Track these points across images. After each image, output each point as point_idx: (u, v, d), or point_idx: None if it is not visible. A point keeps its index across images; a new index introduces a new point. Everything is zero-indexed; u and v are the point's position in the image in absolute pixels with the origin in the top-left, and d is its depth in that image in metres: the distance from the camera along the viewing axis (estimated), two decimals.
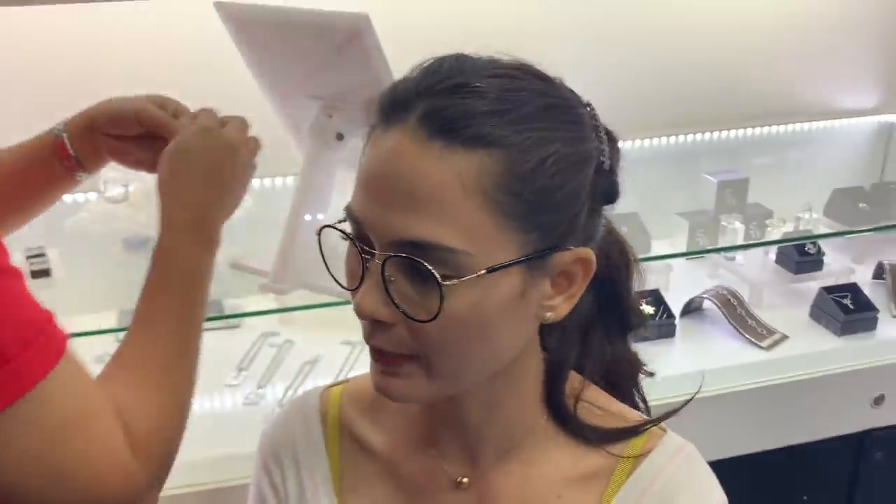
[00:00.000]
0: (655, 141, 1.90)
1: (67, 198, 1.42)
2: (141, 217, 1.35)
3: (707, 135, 1.94)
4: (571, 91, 0.69)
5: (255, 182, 1.50)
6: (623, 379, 0.82)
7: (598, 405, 0.77)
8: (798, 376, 1.50)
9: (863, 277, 1.73)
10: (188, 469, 1.22)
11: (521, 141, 0.62)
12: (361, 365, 1.46)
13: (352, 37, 1.15)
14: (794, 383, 1.49)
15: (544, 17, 1.70)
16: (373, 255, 0.63)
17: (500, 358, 0.70)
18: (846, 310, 1.58)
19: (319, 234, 0.71)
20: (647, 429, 0.76)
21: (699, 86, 1.90)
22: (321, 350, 1.51)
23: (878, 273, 1.75)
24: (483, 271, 0.62)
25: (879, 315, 1.60)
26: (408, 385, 0.67)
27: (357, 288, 0.65)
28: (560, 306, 0.68)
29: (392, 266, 0.63)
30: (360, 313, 0.65)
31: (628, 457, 0.75)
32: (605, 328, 0.78)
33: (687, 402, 0.80)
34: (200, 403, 1.37)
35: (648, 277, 1.62)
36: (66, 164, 0.90)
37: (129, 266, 1.33)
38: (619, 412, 0.78)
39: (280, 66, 1.28)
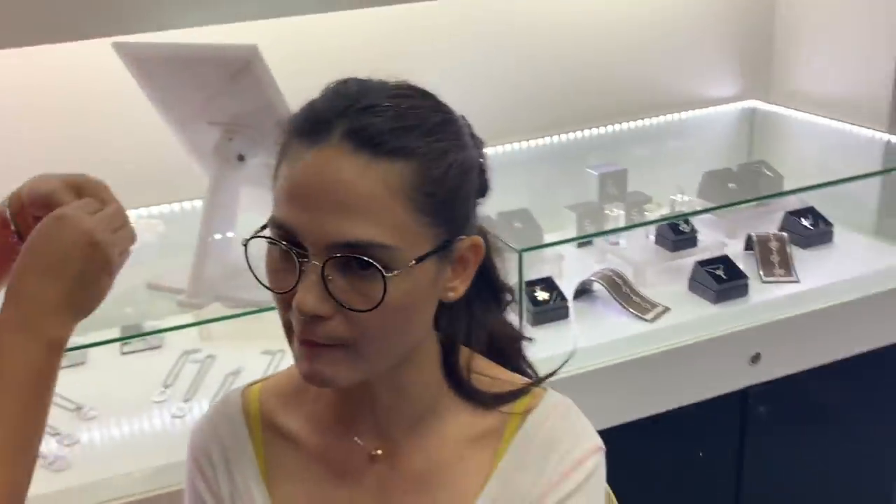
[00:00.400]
0: (541, 141, 2.04)
1: None
2: None
3: (587, 131, 2.08)
4: (448, 105, 0.81)
5: (165, 208, 1.60)
6: (507, 347, 0.93)
7: (488, 374, 0.89)
8: (681, 342, 1.64)
9: (735, 250, 1.89)
10: (125, 482, 1.31)
11: (430, 151, 0.74)
12: None
13: (244, 66, 1.25)
14: (677, 349, 1.63)
15: (421, 34, 1.82)
16: (308, 258, 0.72)
17: (414, 339, 0.81)
18: (719, 280, 1.74)
19: (246, 246, 0.78)
20: (530, 389, 0.88)
21: (575, 86, 2.05)
22: (242, 362, 1.59)
23: (748, 245, 1.92)
24: (413, 262, 0.73)
25: (749, 282, 1.75)
26: (336, 370, 0.76)
27: (291, 290, 0.73)
28: (459, 287, 0.81)
29: (330, 266, 0.72)
30: (301, 310, 0.72)
31: (515, 413, 0.86)
32: (484, 303, 0.90)
33: (562, 364, 0.94)
34: (129, 422, 1.43)
35: (542, 267, 1.78)
36: (12, 239, 0.86)
37: None
38: (506, 379, 0.90)
39: (179, 97, 1.38)
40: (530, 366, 0.97)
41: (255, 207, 1.38)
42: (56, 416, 1.38)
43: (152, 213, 1.57)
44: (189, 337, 1.63)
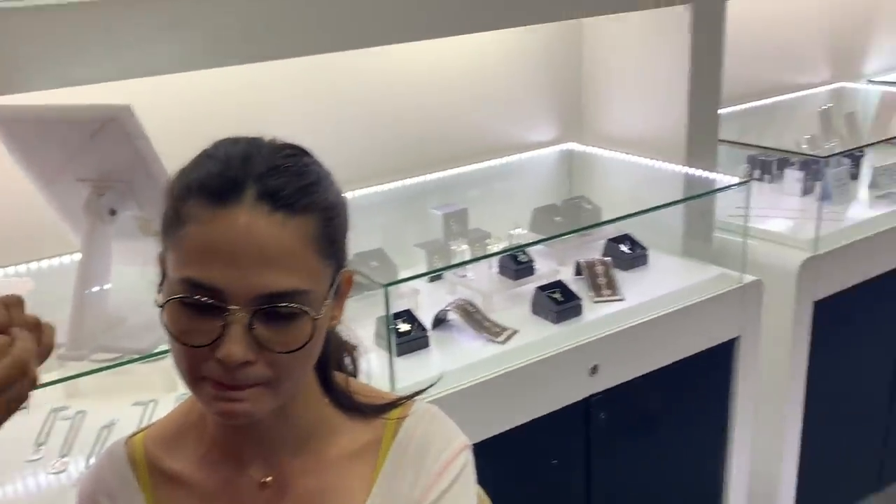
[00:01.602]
0: (388, 186, 2.17)
1: None
2: None
3: (428, 176, 2.24)
4: None
5: (33, 265, 1.60)
6: (350, 354, 1.02)
7: (363, 393, 0.98)
8: (530, 359, 1.80)
9: (567, 276, 2.09)
10: None
11: (328, 203, 0.84)
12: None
13: (116, 124, 1.31)
14: (527, 366, 1.79)
15: (276, 91, 1.94)
16: (229, 311, 0.77)
17: (311, 368, 0.89)
18: (557, 302, 1.93)
19: (163, 307, 0.81)
20: (402, 402, 0.97)
21: (415, 136, 2.21)
22: (114, 415, 1.60)
23: (578, 270, 2.13)
24: (326, 301, 0.83)
25: (583, 303, 1.96)
26: (255, 406, 0.82)
27: (211, 343, 0.78)
28: (338, 316, 0.91)
29: (256, 315, 0.78)
30: (230, 360, 0.78)
31: (390, 420, 0.95)
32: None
33: (432, 384, 1.07)
34: (9, 483, 1.41)
35: (399, 302, 1.91)
36: None
37: None
38: (378, 395, 0.99)
39: (45, 156, 1.41)
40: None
41: (125, 259, 1.43)
42: None
43: (19, 271, 1.57)
44: (55, 394, 1.62)
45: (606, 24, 2.34)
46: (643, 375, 1.98)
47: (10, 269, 1.59)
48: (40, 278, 1.56)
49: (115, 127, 1.32)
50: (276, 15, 1.56)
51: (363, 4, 1.66)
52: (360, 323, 1.45)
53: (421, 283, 2.03)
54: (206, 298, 0.78)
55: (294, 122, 1.90)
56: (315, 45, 1.63)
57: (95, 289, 1.37)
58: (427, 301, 1.98)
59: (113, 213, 1.39)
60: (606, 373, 1.92)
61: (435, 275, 2.07)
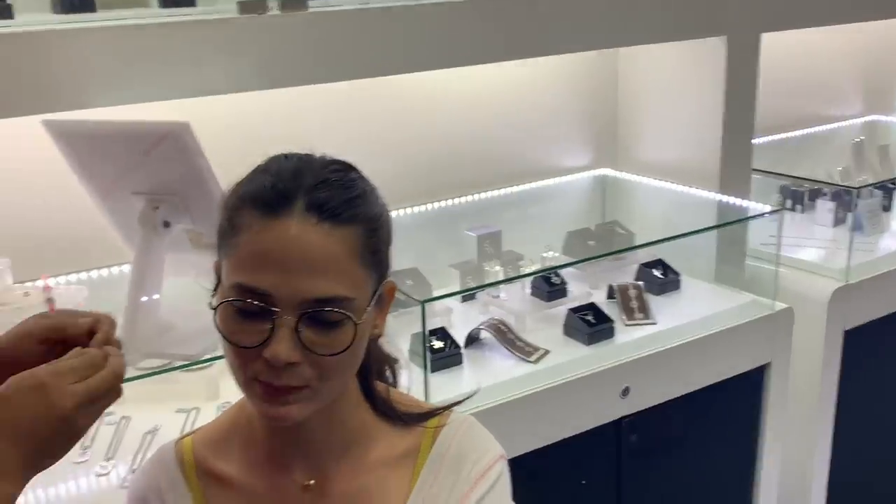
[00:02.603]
0: (424, 207, 2.22)
1: None
2: None
3: (464, 198, 2.29)
4: None
5: (84, 275, 1.66)
6: (390, 368, 1.05)
7: (403, 402, 1.01)
8: (561, 380, 1.83)
9: (599, 298, 2.12)
10: None
11: (372, 216, 0.89)
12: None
13: (173, 140, 1.37)
14: (559, 386, 1.82)
15: (325, 115, 2.00)
16: (277, 314, 0.82)
17: (354, 374, 0.93)
18: (589, 324, 1.96)
19: (216, 310, 0.86)
20: (441, 412, 1.01)
21: (453, 159, 2.26)
22: (157, 421, 1.65)
23: (610, 293, 2.16)
24: (368, 308, 0.87)
25: (615, 325, 1.99)
26: (298, 409, 0.86)
27: (260, 345, 0.83)
28: (381, 325, 0.95)
29: (302, 319, 0.83)
30: (277, 359, 0.83)
31: (428, 428, 0.99)
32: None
33: (468, 396, 1.10)
34: (54, 486, 1.46)
35: (433, 320, 1.95)
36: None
37: None
38: (417, 405, 1.03)
39: (103, 170, 1.47)
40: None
41: (177, 270, 1.49)
42: None
43: (70, 280, 1.63)
44: None
45: (643, 53, 2.38)
46: (674, 399, 2.00)
47: (65, 278, 1.65)
48: (92, 287, 1.62)
49: (172, 142, 1.38)
50: (324, 41, 1.62)
51: (407, 33, 1.72)
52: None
53: (454, 303, 2.07)
54: (256, 302, 0.83)
55: (336, 143, 1.94)
56: (362, 70, 1.69)
57: (147, 298, 1.42)
58: (459, 320, 2.02)
59: (167, 225, 1.45)
60: (637, 395, 1.94)
61: (468, 295, 2.11)
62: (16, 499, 0.78)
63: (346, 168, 0.91)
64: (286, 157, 0.90)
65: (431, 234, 2.19)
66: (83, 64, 1.40)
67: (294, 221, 0.83)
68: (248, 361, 0.85)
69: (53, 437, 0.78)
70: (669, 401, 1.99)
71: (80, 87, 1.39)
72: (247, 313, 0.84)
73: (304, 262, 0.83)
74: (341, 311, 0.84)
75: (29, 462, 0.78)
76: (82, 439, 1.57)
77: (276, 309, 0.83)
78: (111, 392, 0.82)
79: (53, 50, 1.38)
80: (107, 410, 0.83)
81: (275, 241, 0.83)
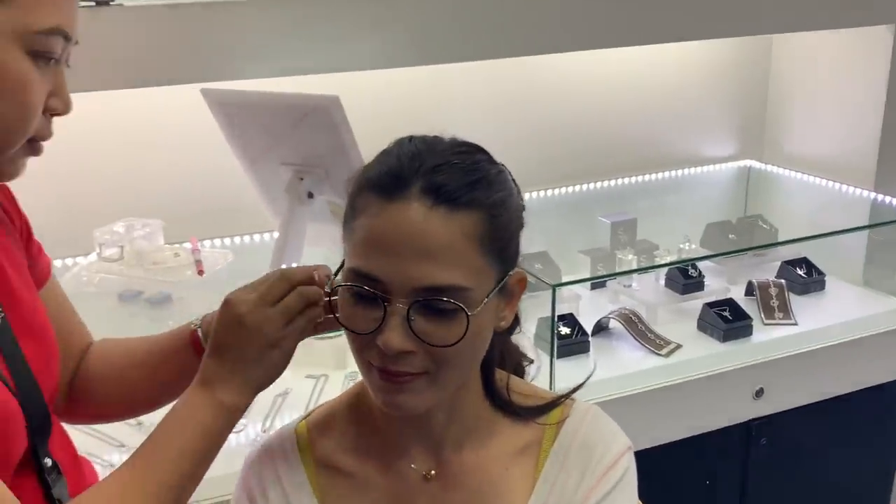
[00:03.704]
0: (557, 191, 2.20)
1: (58, 262, 1.60)
2: (134, 273, 1.54)
3: (599, 184, 2.25)
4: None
5: (229, 240, 1.73)
6: (518, 365, 1.02)
7: (524, 391, 0.97)
8: (692, 376, 1.78)
9: (737, 294, 2.05)
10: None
11: (494, 201, 0.83)
12: (325, 395, 1.66)
13: (322, 113, 1.40)
14: (689, 383, 1.78)
15: (464, 94, 2.00)
16: (389, 301, 0.80)
17: (476, 365, 0.90)
18: (726, 320, 1.89)
19: (330, 294, 0.86)
20: (561, 402, 0.96)
21: (589, 144, 2.23)
22: (288, 384, 1.71)
23: (749, 290, 2.08)
24: (486, 300, 0.82)
25: (753, 323, 1.91)
26: (416, 398, 0.84)
27: (373, 331, 0.81)
28: (508, 317, 0.90)
29: (414, 307, 0.80)
30: (388, 347, 0.80)
31: (551, 423, 0.95)
32: (509, 330, 0.98)
33: (586, 379, 1.01)
34: None
35: (561, 305, 1.93)
36: (201, 357, 0.91)
37: (125, 317, 1.52)
38: (537, 393, 0.97)
39: (256, 140, 1.52)
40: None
41: (316, 240, 1.53)
42: (119, 431, 1.48)
43: (215, 244, 1.70)
44: None
45: (799, 40, 2.27)
46: (810, 404, 1.92)
47: (211, 242, 1.72)
48: (237, 252, 1.68)
49: (320, 115, 1.40)
50: (472, 18, 1.61)
51: (554, 12, 1.70)
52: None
53: (582, 290, 2.04)
54: (368, 288, 0.81)
55: (473, 123, 1.95)
56: (507, 49, 1.68)
57: (287, 265, 1.47)
58: (587, 307, 1.99)
59: (311, 196, 1.49)
60: (772, 397, 1.87)
61: (597, 282, 2.07)
62: (238, 411, 0.89)
63: (473, 150, 0.87)
64: (410, 139, 0.86)
65: (564, 219, 2.17)
66: (237, 36, 1.45)
67: (408, 205, 0.80)
68: (364, 347, 0.84)
69: (241, 343, 0.87)
70: (805, 406, 1.92)
71: (233, 58, 1.44)
72: (361, 298, 0.82)
73: (417, 247, 0.79)
74: (454, 300, 0.80)
75: (235, 367, 0.87)
76: None
77: (388, 296, 0.80)
78: (302, 316, 0.89)
79: (210, 22, 1.42)
80: None
81: (388, 225, 0.80)
